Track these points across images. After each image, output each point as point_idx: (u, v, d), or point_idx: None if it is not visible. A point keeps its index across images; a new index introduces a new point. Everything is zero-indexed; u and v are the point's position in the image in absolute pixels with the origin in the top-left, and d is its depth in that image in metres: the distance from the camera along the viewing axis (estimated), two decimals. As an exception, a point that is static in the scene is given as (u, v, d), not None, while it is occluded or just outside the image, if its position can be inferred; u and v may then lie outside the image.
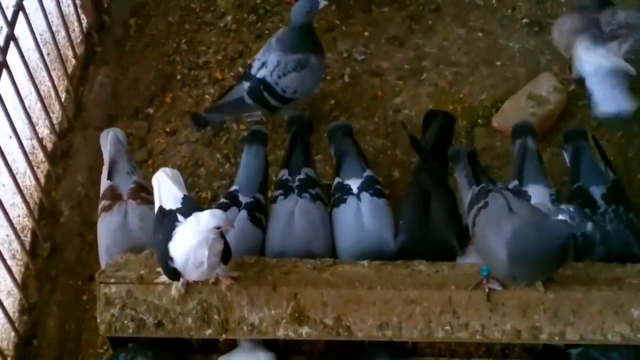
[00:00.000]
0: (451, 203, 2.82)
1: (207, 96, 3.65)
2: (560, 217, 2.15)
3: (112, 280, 2.56)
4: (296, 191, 2.90)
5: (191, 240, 2.28)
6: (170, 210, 2.42)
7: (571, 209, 2.18)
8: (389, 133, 3.52)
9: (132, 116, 3.60)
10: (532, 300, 2.48)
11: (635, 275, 2.52)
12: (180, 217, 2.38)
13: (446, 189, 2.88)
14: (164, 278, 2.51)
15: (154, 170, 3.24)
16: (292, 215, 2.82)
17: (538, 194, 2.74)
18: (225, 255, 2.37)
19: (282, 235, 2.80)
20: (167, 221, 2.39)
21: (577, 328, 2.46)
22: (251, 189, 2.91)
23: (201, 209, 2.39)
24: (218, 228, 2.27)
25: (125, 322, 2.54)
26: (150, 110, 3.63)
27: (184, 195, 2.47)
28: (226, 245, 2.37)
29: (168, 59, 3.80)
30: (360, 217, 2.83)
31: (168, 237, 2.34)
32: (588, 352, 2.54)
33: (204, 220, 2.27)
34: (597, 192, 2.79)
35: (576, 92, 3.49)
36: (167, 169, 2.61)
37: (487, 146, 3.43)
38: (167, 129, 3.56)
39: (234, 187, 2.94)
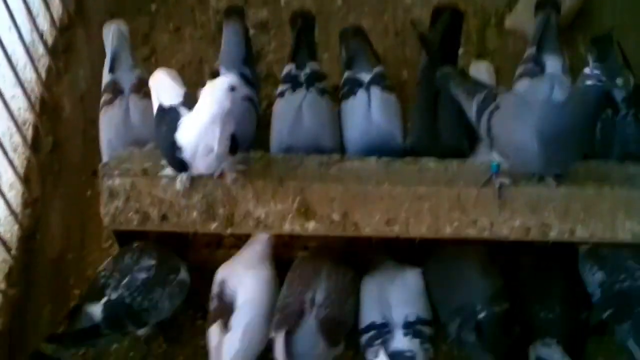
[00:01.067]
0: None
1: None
2: (589, 82, 2.08)
3: (116, 173, 2.51)
4: (304, 85, 2.83)
5: (205, 116, 2.22)
6: (172, 106, 2.36)
7: (596, 70, 2.10)
8: (399, 32, 3.42)
9: (134, 12, 3.50)
10: (543, 197, 2.44)
11: (651, 174, 2.47)
12: (182, 110, 2.32)
13: None
14: (168, 171, 2.47)
15: (157, 67, 3.20)
16: (300, 109, 2.75)
17: (554, 65, 2.72)
18: (233, 144, 2.32)
19: (290, 129, 2.74)
20: (169, 116, 2.34)
21: (587, 225, 2.43)
22: (236, 65, 2.81)
23: None
24: (233, 89, 2.20)
25: (130, 214, 2.51)
26: (154, 7, 3.52)
27: (185, 92, 2.40)
28: (234, 135, 2.32)
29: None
30: (369, 110, 2.77)
31: (173, 128, 2.28)
32: (597, 248, 2.53)
33: (219, 82, 2.21)
34: (618, 95, 2.71)
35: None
36: (165, 69, 2.54)
37: (499, 47, 3.35)
38: (171, 26, 3.46)
39: (217, 67, 2.86)
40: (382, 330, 2.44)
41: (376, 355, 2.40)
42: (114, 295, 2.48)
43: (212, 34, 3.41)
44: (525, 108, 2.29)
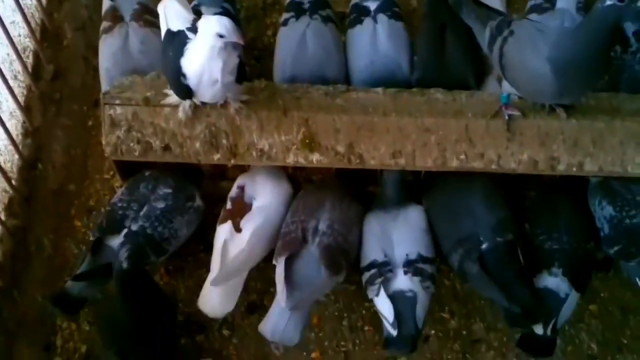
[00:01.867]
0: (467, 35, 2.67)
1: None
2: (608, 2, 1.99)
3: (117, 102, 2.46)
4: (308, 13, 2.76)
5: (203, 51, 2.16)
6: (179, 30, 2.28)
7: None
8: (407, -41, 3.32)
9: None
10: (552, 129, 2.39)
11: (662, 107, 2.42)
12: (190, 35, 2.24)
13: (462, 21, 2.72)
14: (172, 99, 2.42)
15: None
16: (303, 38, 2.69)
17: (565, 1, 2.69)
18: (240, 74, 2.27)
19: (294, 58, 2.68)
20: (177, 40, 2.26)
21: (596, 159, 2.39)
22: (216, 2, 2.73)
23: None
24: (221, 37, 2.14)
25: (131, 144, 2.47)
26: None
27: (194, 18, 2.32)
28: (241, 63, 2.26)
29: None
30: (376, 38, 2.71)
31: (179, 53, 2.21)
32: (608, 182, 2.49)
33: (208, 26, 2.15)
34: (630, 29, 2.64)
35: None
36: None
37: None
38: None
39: (194, 2, 2.75)
40: (383, 268, 2.41)
41: (377, 294, 2.38)
42: (134, 227, 2.46)
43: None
44: (538, 35, 2.21)
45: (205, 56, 2.17)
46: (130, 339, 2.37)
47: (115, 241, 2.44)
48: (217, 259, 2.46)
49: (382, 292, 2.37)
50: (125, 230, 2.45)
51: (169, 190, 2.55)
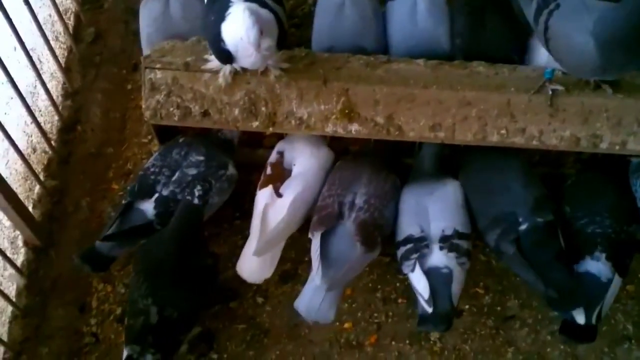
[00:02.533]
0: (508, 9, 2.63)
1: None
2: None
3: (158, 66, 2.46)
4: None
5: (240, 18, 2.15)
6: None
7: None
8: None
9: None
10: (596, 106, 2.35)
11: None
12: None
13: None
14: (212, 64, 2.41)
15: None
16: (342, 6, 2.66)
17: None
18: (281, 41, 2.25)
19: (331, 28, 2.65)
20: (219, 3, 2.24)
21: (640, 138, 2.35)
22: None
23: None
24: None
25: (171, 109, 2.47)
26: None
27: None
28: (282, 30, 2.24)
29: None
30: (416, 12, 2.66)
31: (221, 17, 2.19)
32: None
33: (243, 25, 2.14)
34: None
35: None
36: None
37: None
38: None
39: None
40: (420, 244, 2.39)
41: (412, 270, 2.36)
42: (165, 192, 2.47)
43: None
44: (584, 9, 2.15)
45: (243, 23, 2.15)
46: (169, 276, 2.36)
47: (146, 205, 2.46)
48: (256, 223, 2.45)
49: (417, 268, 2.35)
50: (156, 195, 2.47)
51: (202, 158, 2.56)
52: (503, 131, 2.40)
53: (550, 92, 2.35)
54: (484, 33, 2.63)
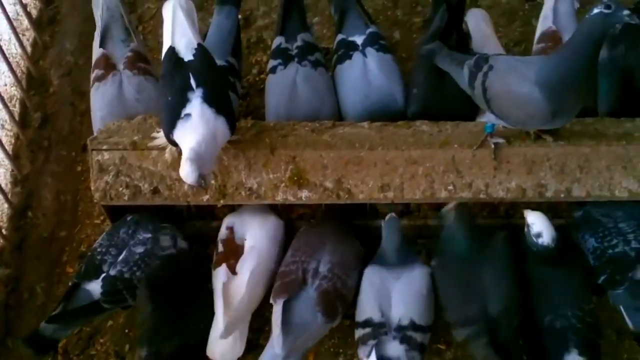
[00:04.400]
0: None
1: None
2: (595, 10, 1.99)
3: (105, 147, 2.48)
4: (296, 59, 2.76)
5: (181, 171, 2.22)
6: (183, 63, 2.32)
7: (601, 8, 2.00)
8: (393, -7, 3.37)
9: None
10: (538, 156, 2.40)
11: (646, 130, 2.43)
12: (193, 82, 2.27)
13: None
14: (159, 141, 2.43)
15: (146, 38, 3.15)
16: (294, 85, 2.70)
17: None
18: (232, 131, 2.32)
19: (287, 106, 2.68)
20: (178, 76, 2.29)
21: (584, 184, 2.39)
22: (223, 53, 2.75)
23: (215, 74, 2.37)
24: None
25: (120, 189, 2.47)
26: (139, -27, 3.46)
27: (198, 44, 2.36)
28: (232, 125, 2.30)
29: None
30: (367, 72, 2.72)
31: (178, 111, 2.25)
32: (589, 212, 2.47)
33: (184, 173, 2.20)
34: None
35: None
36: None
37: (493, 4, 3.30)
38: (158, -8, 3.40)
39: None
40: (378, 330, 2.33)
41: (368, 356, 2.31)
42: (112, 272, 2.45)
43: (199, 1, 3.35)
44: (521, 64, 2.24)
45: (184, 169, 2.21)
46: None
47: (93, 285, 2.43)
48: (219, 304, 2.43)
49: (373, 355, 2.30)
50: (103, 275, 2.45)
51: (149, 235, 2.54)
52: (450, 187, 2.43)
53: (493, 146, 2.39)
54: (443, 87, 2.64)
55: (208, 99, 2.26)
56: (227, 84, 2.65)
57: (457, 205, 2.46)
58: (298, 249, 2.52)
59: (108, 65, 2.72)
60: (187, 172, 2.17)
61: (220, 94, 2.36)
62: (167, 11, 2.43)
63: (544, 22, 2.79)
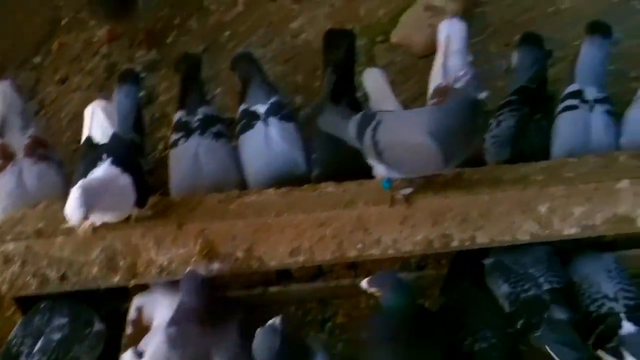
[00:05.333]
0: None
1: (95, 39, 3.48)
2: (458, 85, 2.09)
3: (9, 237, 2.45)
4: (197, 132, 2.79)
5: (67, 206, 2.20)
6: (97, 144, 2.36)
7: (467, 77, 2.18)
8: (289, 59, 3.44)
9: (19, 66, 3.43)
10: (441, 207, 2.45)
11: (539, 172, 2.50)
12: (104, 155, 2.31)
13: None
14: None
15: (48, 122, 3.14)
16: (197, 157, 2.72)
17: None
18: (141, 198, 2.31)
19: (191, 179, 2.70)
20: (91, 156, 2.34)
21: (486, 231, 2.44)
22: (124, 131, 2.76)
23: (127, 150, 2.43)
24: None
25: (27, 279, 2.43)
26: (38, 59, 3.46)
27: (114, 133, 2.40)
28: (140, 189, 2.30)
29: (52, 2, 3.61)
30: (269, 141, 2.76)
31: (88, 170, 2.28)
32: (500, 260, 2.52)
33: (69, 205, 2.18)
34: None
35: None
36: (102, 102, 2.53)
37: (389, 62, 3.39)
38: (57, 77, 3.40)
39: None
40: None
41: None
42: None
43: (101, 81, 3.36)
44: (411, 116, 2.35)
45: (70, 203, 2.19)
46: None
47: None
48: None
49: None
50: None
51: (65, 320, 2.49)
52: (359, 245, 2.46)
53: (401, 197, 2.44)
54: (343, 147, 2.67)
55: (115, 162, 2.31)
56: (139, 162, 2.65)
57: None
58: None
59: (6, 155, 2.70)
60: (70, 203, 2.15)
61: (132, 162, 2.40)
62: (88, 111, 2.48)
63: (435, 79, 2.88)
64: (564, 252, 2.56)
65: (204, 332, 2.33)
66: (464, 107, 2.19)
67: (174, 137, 2.82)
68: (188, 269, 2.42)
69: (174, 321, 2.36)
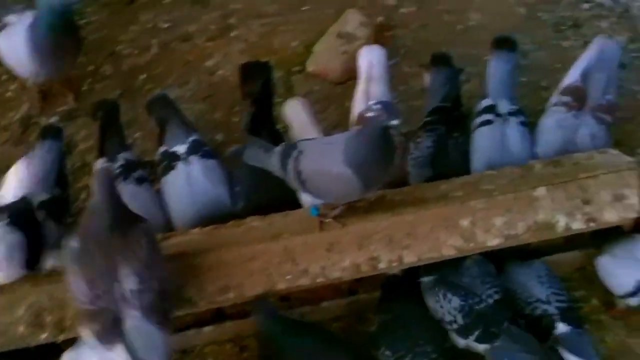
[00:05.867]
0: None
1: (8, 93, 3.43)
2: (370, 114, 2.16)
3: None
4: (119, 178, 2.76)
5: None
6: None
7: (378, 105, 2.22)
8: (207, 97, 3.44)
9: None
10: (367, 231, 2.47)
11: (459, 188, 2.55)
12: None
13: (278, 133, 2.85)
14: None
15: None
16: None
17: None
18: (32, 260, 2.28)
19: None
20: None
21: (413, 250, 2.46)
22: (47, 186, 2.72)
23: (31, 210, 2.45)
24: None
25: (-47, 345, 2.36)
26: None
27: (23, 196, 2.42)
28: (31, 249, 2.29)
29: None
30: (192, 180, 2.75)
31: None
32: (443, 277, 2.53)
33: None
34: None
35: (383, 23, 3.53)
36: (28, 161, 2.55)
37: (308, 91, 3.42)
38: (-28, 134, 3.34)
39: None
40: None
41: None
42: None
43: (17, 136, 3.31)
44: (329, 146, 2.35)
45: None
46: None
47: None
48: None
49: None
50: None
51: None
52: (289, 276, 2.45)
53: (330, 220, 2.46)
54: (265, 179, 2.62)
55: (11, 223, 2.34)
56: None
57: None
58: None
59: None
60: None
61: (28, 222, 2.41)
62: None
63: (358, 105, 2.91)
64: (497, 262, 2.61)
65: (112, 242, 2.23)
66: (376, 135, 2.22)
67: None
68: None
69: (83, 228, 2.29)
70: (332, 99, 3.36)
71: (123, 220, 2.27)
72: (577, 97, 2.78)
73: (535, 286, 2.54)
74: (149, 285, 2.23)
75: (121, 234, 2.23)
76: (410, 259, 2.46)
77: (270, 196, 2.66)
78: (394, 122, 2.17)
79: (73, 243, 2.26)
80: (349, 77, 3.24)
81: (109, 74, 3.54)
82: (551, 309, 2.48)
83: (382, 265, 2.46)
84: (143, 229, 2.31)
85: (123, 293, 2.20)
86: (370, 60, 2.99)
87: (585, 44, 3.02)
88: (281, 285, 2.45)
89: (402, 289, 2.61)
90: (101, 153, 2.87)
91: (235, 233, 2.52)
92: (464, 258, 2.52)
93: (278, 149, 2.41)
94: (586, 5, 3.46)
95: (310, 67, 3.45)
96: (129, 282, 2.20)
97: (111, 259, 2.22)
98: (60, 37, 3.09)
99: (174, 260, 2.43)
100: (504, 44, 2.91)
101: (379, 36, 3.45)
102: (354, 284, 2.71)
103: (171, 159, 2.82)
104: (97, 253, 2.22)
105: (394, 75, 3.13)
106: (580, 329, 2.47)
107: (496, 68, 2.88)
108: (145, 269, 2.23)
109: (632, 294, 2.51)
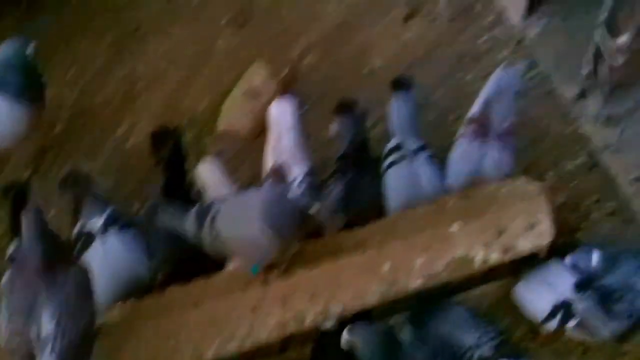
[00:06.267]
0: None
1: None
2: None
3: None
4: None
5: None
6: None
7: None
8: (120, 167, 3.39)
9: None
10: (290, 288, 2.45)
11: (376, 233, 2.55)
12: None
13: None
14: None
15: None
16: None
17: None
18: None
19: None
20: None
21: (338, 299, 2.44)
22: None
23: None
24: None
25: None
26: None
27: None
28: None
29: None
30: (109, 256, 2.70)
31: None
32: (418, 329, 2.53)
33: None
34: None
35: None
36: None
37: (220, 150, 3.38)
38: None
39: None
40: None
41: None
42: None
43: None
44: (245, 207, 2.37)
45: None
46: None
47: None
48: None
49: None
50: None
51: None
52: (216, 345, 2.42)
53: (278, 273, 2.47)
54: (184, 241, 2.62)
55: None
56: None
57: None
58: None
59: None
60: None
61: None
62: None
63: (269, 159, 2.92)
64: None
65: (36, 275, 2.24)
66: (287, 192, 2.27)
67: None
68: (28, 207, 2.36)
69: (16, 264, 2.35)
70: (245, 156, 3.34)
71: (52, 261, 2.27)
72: (481, 126, 2.82)
73: (462, 334, 2.50)
74: (66, 331, 2.20)
75: (49, 275, 2.24)
76: (336, 309, 2.44)
77: (191, 260, 2.61)
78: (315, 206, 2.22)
79: (5, 278, 2.29)
80: (260, 131, 3.23)
81: (16, 155, 3.47)
82: (486, 351, 2.44)
83: (309, 320, 2.44)
84: (74, 272, 2.31)
85: (39, 334, 2.19)
86: (279, 113, 3.00)
87: (488, 75, 3.07)
88: (209, 355, 2.41)
89: (335, 343, 2.58)
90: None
91: (156, 306, 2.49)
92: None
93: (193, 210, 2.40)
94: (483, 39, 3.53)
95: (220, 125, 3.43)
96: (45, 324, 2.19)
97: (34, 299, 2.22)
98: None
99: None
100: (399, 86, 2.95)
101: (285, 89, 3.45)
102: (284, 342, 2.67)
103: (87, 237, 2.76)
104: (22, 292, 2.25)
105: (305, 126, 3.14)
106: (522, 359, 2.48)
107: (396, 109, 2.90)
108: (66, 314, 2.22)
109: (549, 318, 2.53)
